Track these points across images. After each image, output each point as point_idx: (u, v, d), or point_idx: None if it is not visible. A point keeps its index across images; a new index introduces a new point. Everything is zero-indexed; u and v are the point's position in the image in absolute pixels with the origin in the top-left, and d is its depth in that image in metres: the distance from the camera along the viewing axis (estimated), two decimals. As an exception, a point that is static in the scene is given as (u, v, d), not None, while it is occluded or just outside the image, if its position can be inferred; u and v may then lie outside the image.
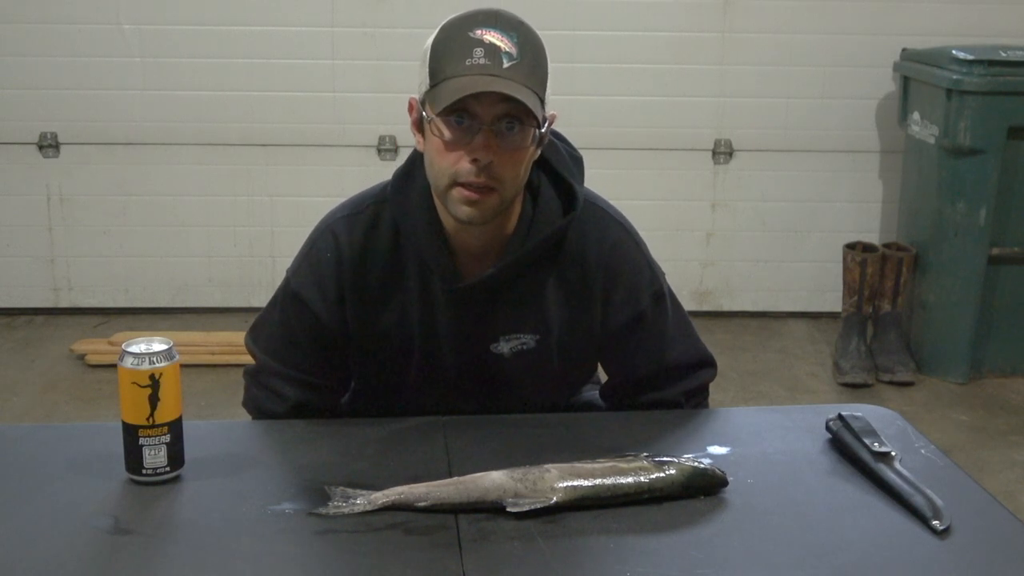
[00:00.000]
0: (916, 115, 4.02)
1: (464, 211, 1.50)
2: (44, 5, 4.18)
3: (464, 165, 1.47)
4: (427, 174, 1.55)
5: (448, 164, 1.48)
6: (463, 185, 1.48)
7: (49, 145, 4.29)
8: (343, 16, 4.23)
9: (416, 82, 1.53)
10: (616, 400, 1.75)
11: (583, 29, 4.24)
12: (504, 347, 1.64)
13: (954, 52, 3.80)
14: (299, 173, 4.35)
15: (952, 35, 4.15)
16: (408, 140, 4.24)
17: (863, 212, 4.48)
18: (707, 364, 1.77)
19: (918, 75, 3.99)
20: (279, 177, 4.37)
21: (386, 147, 4.31)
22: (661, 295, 1.70)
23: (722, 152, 4.40)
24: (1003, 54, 3.77)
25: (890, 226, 4.40)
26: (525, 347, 1.65)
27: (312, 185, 4.29)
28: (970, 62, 3.73)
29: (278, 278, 1.71)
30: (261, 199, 4.39)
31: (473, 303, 1.62)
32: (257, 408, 1.73)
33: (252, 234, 4.42)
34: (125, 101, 4.26)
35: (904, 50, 4.17)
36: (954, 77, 3.73)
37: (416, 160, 1.61)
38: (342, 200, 1.70)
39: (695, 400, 1.76)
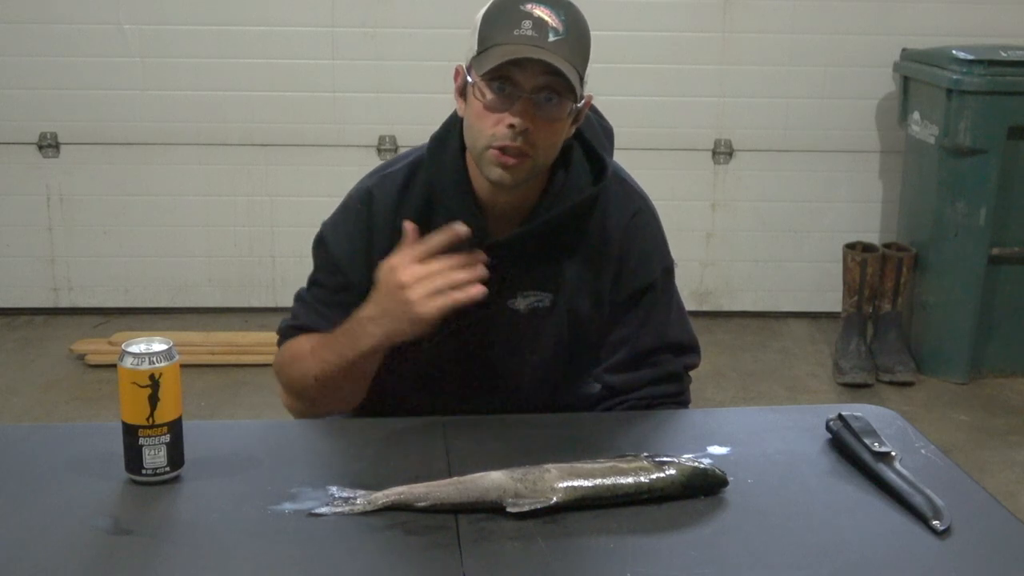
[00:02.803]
0: (916, 115, 4.02)
1: (496, 173, 1.55)
2: (44, 5, 4.18)
3: (502, 129, 1.53)
4: (465, 136, 1.61)
5: (487, 126, 1.54)
6: (499, 149, 1.54)
7: (49, 145, 4.29)
8: (343, 16, 4.23)
9: (464, 50, 1.59)
10: (621, 374, 1.74)
11: (583, 29, 4.23)
12: (521, 303, 1.69)
13: (954, 52, 3.80)
14: (299, 173, 4.35)
15: (952, 35, 4.16)
16: (408, 140, 4.26)
17: (863, 212, 4.48)
18: (697, 350, 1.81)
19: (918, 75, 3.99)
20: (279, 177, 4.37)
21: (386, 147, 4.31)
22: (671, 272, 1.77)
23: (722, 152, 4.40)
24: (1003, 54, 3.77)
25: (890, 226, 4.40)
26: (540, 304, 1.69)
27: (312, 185, 4.30)
28: (970, 62, 3.73)
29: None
30: (261, 199, 4.39)
31: (497, 261, 1.65)
32: (283, 325, 1.76)
33: (252, 234, 4.42)
34: (125, 101, 4.26)
35: (904, 50, 4.17)
36: (954, 77, 3.73)
37: (452, 124, 1.67)
38: (342, 200, 1.75)
39: (687, 380, 1.79)
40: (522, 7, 1.52)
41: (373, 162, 4.27)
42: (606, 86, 4.24)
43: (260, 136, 4.33)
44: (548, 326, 1.71)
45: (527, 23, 1.50)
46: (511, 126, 1.52)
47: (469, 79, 1.55)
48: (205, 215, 4.40)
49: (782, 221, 4.50)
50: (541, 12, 1.52)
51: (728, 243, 4.52)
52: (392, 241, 1.65)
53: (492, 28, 1.53)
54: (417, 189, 1.68)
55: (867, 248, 4.08)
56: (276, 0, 4.23)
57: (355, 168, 4.26)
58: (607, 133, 1.74)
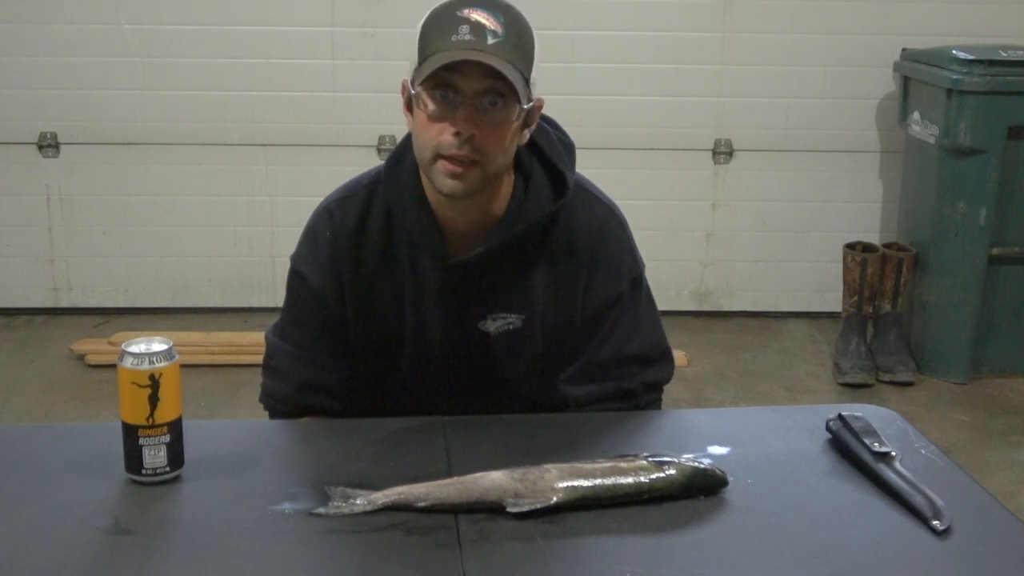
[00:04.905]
0: (916, 115, 4.02)
1: (447, 184, 1.53)
2: (44, 5, 4.18)
3: (447, 138, 1.50)
4: (414, 149, 1.58)
5: (432, 136, 1.51)
6: (447, 158, 1.51)
7: (49, 145, 4.29)
8: (343, 16, 4.23)
9: (408, 64, 1.56)
10: (577, 386, 1.73)
11: (583, 29, 4.24)
12: (491, 326, 1.67)
13: (954, 52, 3.80)
14: (299, 173, 4.35)
15: (952, 35, 4.16)
16: (408, 140, 4.27)
17: (863, 212, 4.48)
18: (666, 359, 1.78)
19: (918, 75, 3.99)
20: (279, 177, 4.37)
21: (386, 147, 4.31)
22: (639, 282, 1.73)
23: (722, 152, 4.40)
24: (1003, 54, 3.77)
25: (890, 226, 4.40)
26: (511, 326, 1.67)
27: (312, 185, 4.26)
28: (970, 62, 3.73)
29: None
30: (261, 199, 4.39)
31: (461, 282, 1.65)
32: (267, 394, 1.76)
33: (252, 234, 4.42)
34: (125, 101, 4.26)
35: (904, 50, 4.17)
36: (954, 77, 3.73)
37: (407, 143, 1.64)
38: (305, 227, 1.73)
39: (651, 395, 1.77)
40: (458, 13, 1.49)
41: (373, 162, 4.24)
42: (606, 86, 4.29)
43: (260, 136, 4.33)
44: (521, 346, 1.69)
45: (464, 28, 1.47)
46: (457, 133, 1.49)
47: (412, 91, 1.53)
48: (205, 215, 4.40)
49: (782, 221, 4.49)
50: (478, 16, 1.48)
51: (728, 243, 4.51)
52: (356, 266, 1.66)
53: (430, 37, 1.50)
54: (377, 210, 1.66)
55: (867, 248, 4.08)
56: (276, 0, 4.23)
57: (355, 168, 4.25)
58: (568, 149, 1.69)
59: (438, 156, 1.51)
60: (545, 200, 1.64)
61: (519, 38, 1.50)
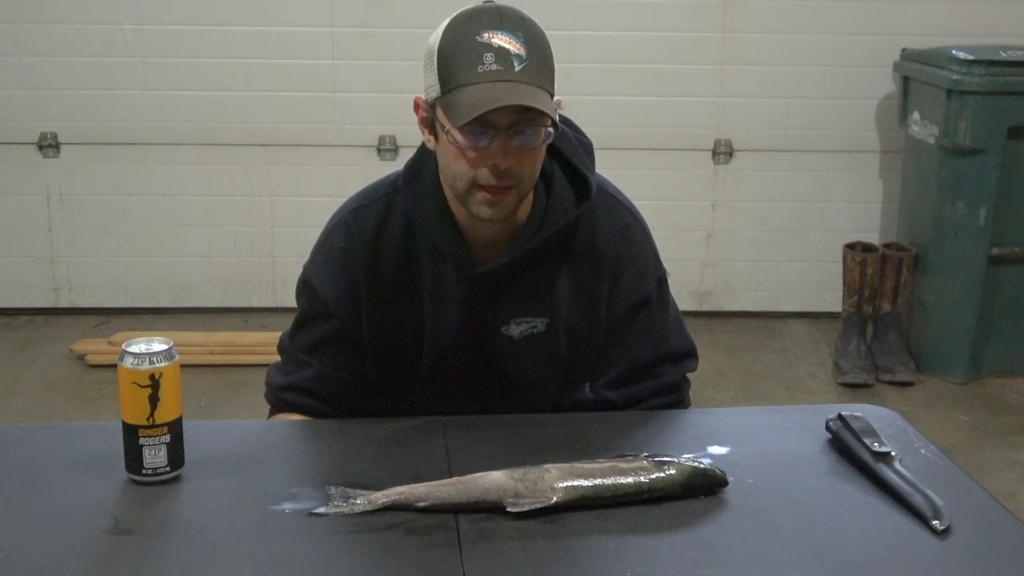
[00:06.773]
0: (916, 115, 4.02)
1: (486, 211, 1.53)
2: (44, 5, 4.18)
3: (483, 170, 1.50)
4: (441, 176, 1.58)
5: (466, 169, 1.51)
6: (484, 188, 1.51)
7: (49, 145, 4.29)
8: (343, 16, 4.23)
9: (422, 82, 1.54)
10: (621, 390, 1.74)
11: (583, 29, 4.24)
12: (514, 330, 1.67)
13: (954, 52, 3.80)
14: (299, 173, 4.35)
15: (952, 35, 4.16)
16: (408, 140, 4.27)
17: (863, 212, 4.48)
18: (695, 354, 1.81)
19: (918, 75, 3.99)
20: (279, 177, 4.37)
21: (386, 147, 4.31)
22: (664, 282, 1.75)
23: (722, 152, 4.40)
24: (1003, 54, 3.77)
25: (890, 226, 4.40)
26: (535, 330, 1.67)
27: (312, 185, 4.30)
28: (970, 62, 3.73)
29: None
30: (261, 199, 4.39)
31: (485, 289, 1.65)
32: (265, 384, 1.78)
33: (252, 234, 4.42)
34: (125, 101, 4.26)
35: (904, 50, 4.17)
36: (954, 77, 3.73)
37: (425, 153, 1.64)
38: (345, 198, 1.73)
39: (686, 386, 1.80)
40: (479, 38, 1.46)
41: (373, 162, 4.28)
42: (606, 86, 4.29)
43: (260, 136, 4.33)
44: (544, 349, 1.69)
45: (489, 56, 1.44)
46: (493, 166, 1.48)
47: (439, 122, 1.50)
48: (205, 215, 4.40)
49: (782, 221, 4.50)
50: (500, 40, 1.45)
51: (728, 243, 4.51)
52: (373, 275, 1.65)
53: (453, 66, 1.46)
54: (396, 220, 1.65)
55: (867, 248, 4.08)
56: (276, 0, 4.23)
57: (355, 168, 4.30)
58: (587, 148, 1.69)
59: (474, 185, 1.51)
60: (568, 205, 1.64)
61: (542, 55, 1.49)
